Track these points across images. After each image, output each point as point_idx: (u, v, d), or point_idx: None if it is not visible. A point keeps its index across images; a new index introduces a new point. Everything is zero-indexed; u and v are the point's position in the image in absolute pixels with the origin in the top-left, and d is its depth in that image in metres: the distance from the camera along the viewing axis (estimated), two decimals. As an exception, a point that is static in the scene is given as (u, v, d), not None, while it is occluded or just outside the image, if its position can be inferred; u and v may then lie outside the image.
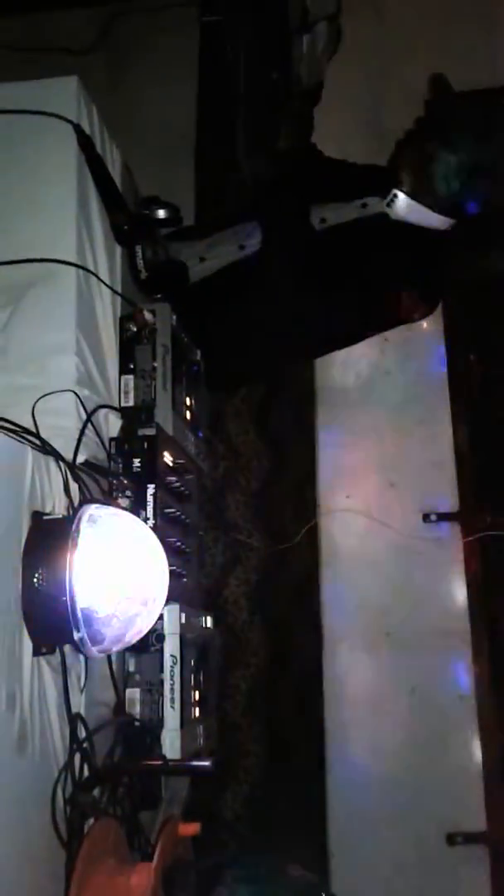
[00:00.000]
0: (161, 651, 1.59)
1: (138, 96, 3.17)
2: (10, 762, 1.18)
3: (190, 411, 1.94)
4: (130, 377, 1.75)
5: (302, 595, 2.91)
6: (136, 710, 1.58)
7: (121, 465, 1.65)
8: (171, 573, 1.38)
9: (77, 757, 1.34)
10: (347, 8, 2.94)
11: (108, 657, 1.53)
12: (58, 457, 1.40)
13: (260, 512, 2.89)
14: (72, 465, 1.44)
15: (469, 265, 2.82)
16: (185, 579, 1.84)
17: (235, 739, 2.71)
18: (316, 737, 2.76)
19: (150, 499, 1.63)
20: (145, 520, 1.61)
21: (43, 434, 1.39)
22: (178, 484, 1.78)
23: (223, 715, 2.63)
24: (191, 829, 1.41)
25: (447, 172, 1.92)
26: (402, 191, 1.98)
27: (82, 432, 1.51)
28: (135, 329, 1.77)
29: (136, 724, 1.56)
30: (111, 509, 1.32)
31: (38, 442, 1.37)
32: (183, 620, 1.61)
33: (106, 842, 1.26)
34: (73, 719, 1.34)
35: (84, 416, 1.53)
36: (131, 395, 1.74)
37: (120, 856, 1.29)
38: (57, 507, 1.37)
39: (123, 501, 1.61)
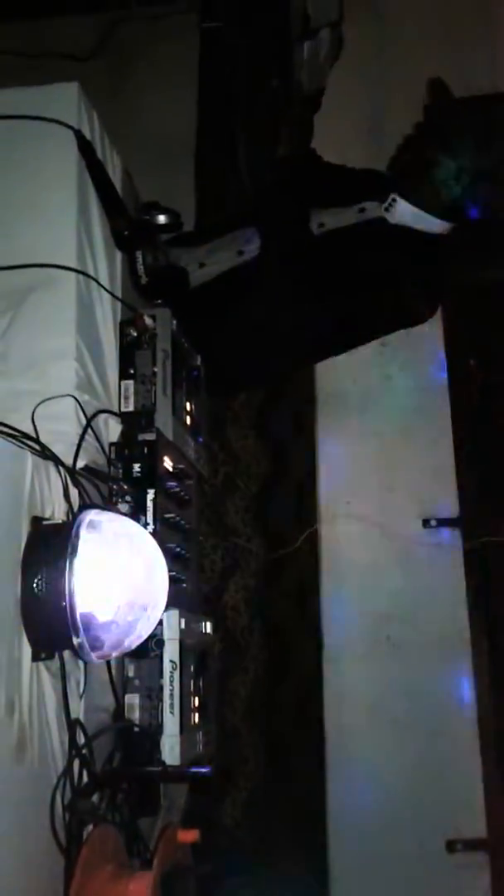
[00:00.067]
0: (160, 657, 1.59)
1: (139, 102, 3.18)
2: (8, 768, 1.18)
3: (190, 416, 1.94)
4: (130, 382, 1.75)
5: (302, 601, 2.91)
6: (136, 715, 1.58)
7: (121, 471, 1.65)
8: (171, 578, 1.37)
9: (76, 763, 1.33)
10: (348, 15, 2.96)
11: (108, 663, 1.53)
12: (58, 462, 1.40)
13: (260, 517, 2.89)
14: (72, 471, 1.44)
15: (469, 272, 2.82)
16: (184, 584, 1.83)
17: (235, 745, 2.70)
18: (316, 743, 2.76)
19: (149, 504, 1.63)
20: (145, 525, 1.61)
21: (43, 439, 1.39)
22: (177, 489, 1.77)
23: (222, 721, 2.62)
24: (190, 835, 1.41)
25: (446, 177, 1.92)
26: (400, 195, 1.99)
27: (82, 437, 1.51)
28: (135, 334, 1.77)
29: (136, 729, 1.56)
30: (111, 514, 1.32)
31: (37, 447, 1.37)
32: (182, 626, 1.61)
33: (105, 848, 1.26)
34: (72, 725, 1.34)
35: (84, 422, 1.53)
36: (131, 400, 1.74)
37: (119, 862, 1.29)
38: (57, 512, 1.37)
39: (123, 506, 1.61)
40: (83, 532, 1.22)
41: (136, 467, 1.65)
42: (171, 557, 1.69)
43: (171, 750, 1.56)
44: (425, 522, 2.90)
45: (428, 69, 2.05)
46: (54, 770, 1.30)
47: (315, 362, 2.81)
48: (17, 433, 1.35)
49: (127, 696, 1.59)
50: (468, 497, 2.92)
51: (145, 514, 1.62)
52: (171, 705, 1.57)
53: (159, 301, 1.88)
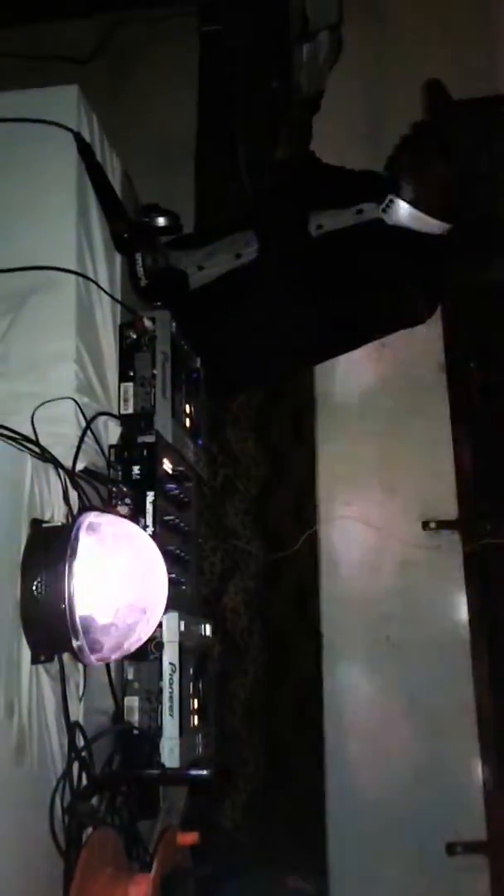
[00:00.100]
0: (160, 659, 1.59)
1: (138, 105, 3.18)
2: (8, 770, 1.18)
3: (189, 419, 1.94)
4: (130, 384, 1.75)
5: (301, 603, 2.91)
6: (135, 718, 1.58)
7: (120, 473, 1.65)
8: (170, 581, 1.37)
9: (75, 765, 1.33)
10: (348, 17, 2.96)
11: (107, 665, 1.53)
12: (57, 464, 1.40)
13: (259, 519, 2.89)
14: (71, 473, 1.44)
15: (469, 274, 2.82)
16: (184, 587, 1.83)
17: (234, 748, 2.70)
18: (315, 745, 2.76)
19: (149, 506, 1.63)
20: (144, 527, 1.61)
21: (42, 441, 1.39)
22: (177, 491, 1.77)
23: (222, 723, 2.62)
24: (189, 838, 1.41)
25: (444, 178, 1.92)
26: (398, 196, 1.99)
27: (81, 440, 1.51)
28: (134, 336, 1.77)
29: (135, 732, 1.56)
30: (110, 517, 1.32)
31: (37, 449, 1.37)
32: (182, 628, 1.61)
33: (104, 851, 1.26)
34: (72, 728, 1.34)
35: (83, 424, 1.53)
36: (131, 402, 1.74)
37: (118, 865, 1.29)
38: (56, 514, 1.37)
39: (123, 509, 1.61)
40: (83, 534, 1.22)
41: (136, 469, 1.65)
42: (171, 560, 1.69)
43: (170, 752, 1.56)
44: (425, 524, 2.90)
45: (427, 71, 2.06)
46: (54, 772, 1.30)
47: (315, 363, 2.81)
48: (16, 435, 1.35)
49: (126, 699, 1.59)
50: (467, 499, 2.92)
51: (145, 517, 1.62)
52: (171, 708, 1.57)
53: (159, 303, 1.88)
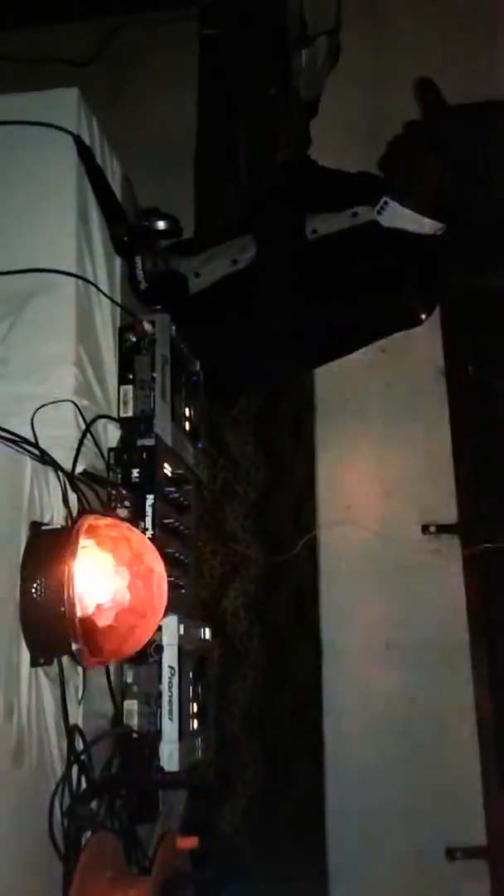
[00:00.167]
0: (159, 662, 1.58)
1: (138, 108, 3.18)
2: (7, 774, 1.17)
3: (189, 422, 1.94)
4: (129, 387, 1.75)
5: (301, 607, 2.90)
6: (134, 721, 1.57)
7: (120, 476, 1.65)
8: (170, 584, 1.37)
9: (75, 769, 1.33)
10: (347, 21, 2.96)
11: (107, 668, 1.53)
12: (57, 467, 1.39)
13: (259, 523, 2.89)
14: (71, 476, 1.44)
15: (468, 279, 2.83)
16: (183, 590, 1.83)
17: (234, 752, 2.70)
18: (315, 749, 2.75)
19: (148, 509, 1.63)
20: (144, 530, 1.61)
21: (42, 444, 1.39)
22: (176, 494, 1.77)
23: (221, 727, 2.61)
24: (189, 842, 1.40)
25: (437, 177, 1.92)
26: (392, 198, 1.99)
27: (81, 442, 1.51)
28: (134, 339, 1.77)
29: (134, 736, 1.55)
30: (110, 520, 1.32)
31: (37, 452, 1.37)
32: (181, 632, 1.61)
33: (103, 855, 1.26)
34: (71, 731, 1.33)
35: (83, 427, 1.53)
36: (130, 405, 1.74)
37: (118, 869, 1.28)
38: (55, 517, 1.37)
39: (122, 512, 1.60)
40: (82, 537, 1.22)
41: (135, 472, 1.65)
42: (170, 563, 1.68)
43: (169, 756, 1.55)
44: (424, 528, 2.90)
45: (426, 75, 2.06)
46: (53, 776, 1.30)
47: (314, 367, 2.81)
48: (16, 438, 1.35)
49: (126, 702, 1.58)
50: (467, 503, 2.92)
51: (144, 520, 1.62)
52: (170, 711, 1.57)
53: (158, 307, 1.88)
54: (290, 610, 2.91)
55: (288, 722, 2.80)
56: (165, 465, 1.72)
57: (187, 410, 1.94)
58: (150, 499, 1.63)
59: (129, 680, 1.59)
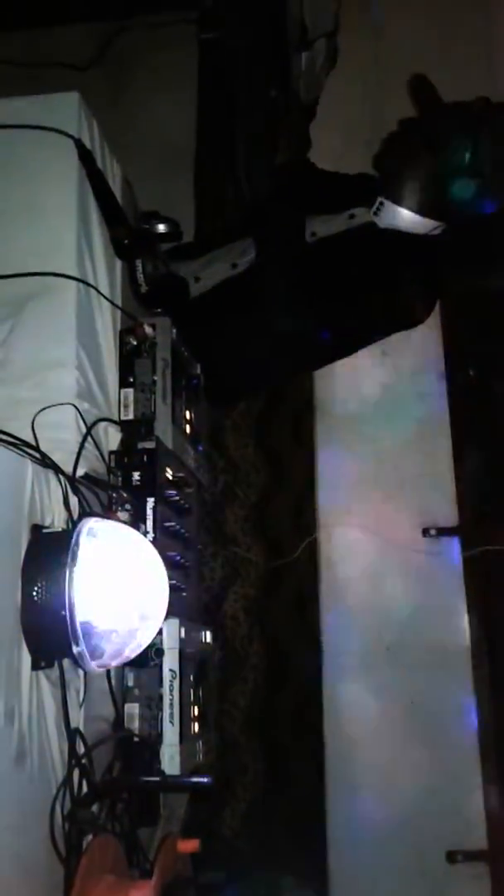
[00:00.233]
0: (160, 666, 1.58)
1: (138, 111, 3.19)
2: (8, 777, 1.17)
3: (190, 425, 1.94)
4: (130, 390, 1.75)
5: (301, 610, 2.90)
6: (135, 725, 1.57)
7: (120, 479, 1.65)
8: (171, 587, 1.37)
9: (76, 772, 1.33)
10: (347, 23, 2.97)
11: (107, 672, 1.52)
12: (57, 470, 1.39)
13: (259, 526, 2.89)
14: (71, 479, 1.44)
15: (468, 281, 2.83)
16: (184, 593, 1.83)
17: (234, 755, 2.69)
18: (315, 752, 2.75)
19: (149, 512, 1.63)
20: (145, 533, 1.61)
21: (43, 447, 1.39)
22: (177, 497, 1.77)
23: (222, 730, 2.61)
24: (190, 845, 1.40)
25: (432, 174, 1.92)
26: (387, 198, 1.99)
27: (82, 445, 1.51)
28: (135, 343, 1.77)
29: (136, 739, 1.55)
30: (111, 523, 1.32)
31: (37, 455, 1.37)
32: (182, 635, 1.61)
33: (105, 858, 1.26)
34: (72, 734, 1.33)
35: (84, 430, 1.53)
36: (131, 408, 1.74)
37: (119, 872, 1.28)
38: (56, 520, 1.37)
39: (123, 515, 1.60)
40: (83, 540, 1.22)
41: (136, 475, 1.64)
42: (171, 566, 1.69)
43: (170, 759, 1.55)
44: (425, 531, 2.90)
45: (421, 73, 2.06)
46: (54, 779, 1.29)
47: (315, 368, 2.82)
48: (17, 441, 1.35)
49: (127, 706, 1.58)
50: (467, 506, 2.92)
51: (145, 523, 1.62)
52: (171, 715, 1.57)
53: (159, 310, 1.88)
54: (291, 613, 2.91)
55: (288, 724, 2.80)
56: (166, 468, 1.72)
57: (188, 413, 1.94)
58: (150, 502, 1.63)
59: (130, 683, 1.59)
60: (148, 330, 1.77)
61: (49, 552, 1.23)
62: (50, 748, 1.29)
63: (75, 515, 1.41)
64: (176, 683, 1.57)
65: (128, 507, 1.61)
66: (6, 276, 1.58)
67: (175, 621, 1.59)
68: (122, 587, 1.23)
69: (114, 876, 1.25)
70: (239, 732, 2.72)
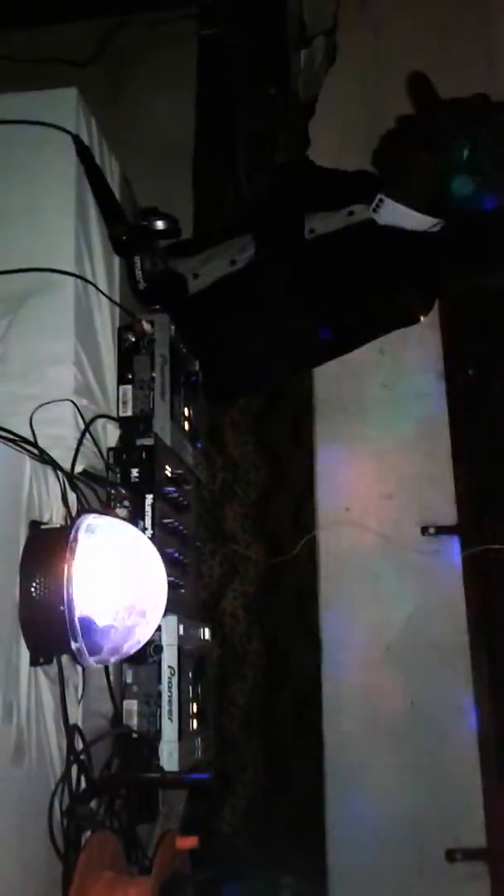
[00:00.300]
0: (159, 662, 1.58)
1: (137, 108, 3.19)
2: (6, 773, 1.17)
3: (188, 422, 1.94)
4: (129, 387, 1.75)
5: (300, 608, 2.90)
6: (134, 721, 1.57)
7: (119, 475, 1.64)
8: (169, 584, 1.37)
9: (74, 769, 1.32)
10: (346, 21, 2.97)
11: (106, 668, 1.52)
12: (56, 466, 1.39)
13: (258, 523, 2.89)
14: (70, 475, 1.43)
15: (468, 281, 2.83)
16: (183, 590, 1.83)
17: (233, 753, 2.69)
18: (314, 750, 2.75)
19: (148, 509, 1.62)
20: (143, 530, 1.61)
21: (41, 443, 1.39)
22: (176, 494, 1.77)
23: (221, 728, 2.61)
24: (188, 842, 1.40)
25: (430, 172, 1.92)
26: (386, 195, 1.99)
27: (80, 442, 1.51)
28: (133, 339, 1.77)
29: (134, 735, 1.55)
30: (109, 519, 1.32)
31: (36, 451, 1.37)
32: (181, 632, 1.61)
33: (103, 855, 1.25)
34: (71, 731, 1.33)
35: (82, 426, 1.53)
36: (129, 405, 1.74)
37: (117, 869, 1.28)
38: (55, 516, 1.37)
39: (121, 511, 1.60)
40: (81, 536, 1.22)
41: (135, 472, 1.64)
42: (170, 563, 1.68)
43: (169, 756, 1.55)
44: (424, 530, 2.90)
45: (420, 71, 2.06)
46: (52, 775, 1.29)
47: (314, 366, 2.81)
48: (15, 437, 1.34)
49: (125, 702, 1.58)
50: (467, 504, 2.92)
51: (144, 519, 1.62)
52: (170, 711, 1.57)
53: (157, 306, 1.88)
54: (290, 611, 2.91)
55: (288, 722, 2.80)
56: (165, 465, 1.72)
57: (186, 410, 1.93)
58: (149, 498, 1.63)
59: (129, 680, 1.59)
60: (146, 326, 1.77)
61: (47, 548, 1.23)
62: (48, 744, 1.29)
63: (73, 512, 1.41)
64: (174, 680, 1.57)
65: (126, 503, 1.61)
66: (4, 272, 1.58)
67: (173, 618, 1.59)
68: (120, 583, 1.23)
69: (112, 872, 1.25)
70: (238, 730, 2.71)
